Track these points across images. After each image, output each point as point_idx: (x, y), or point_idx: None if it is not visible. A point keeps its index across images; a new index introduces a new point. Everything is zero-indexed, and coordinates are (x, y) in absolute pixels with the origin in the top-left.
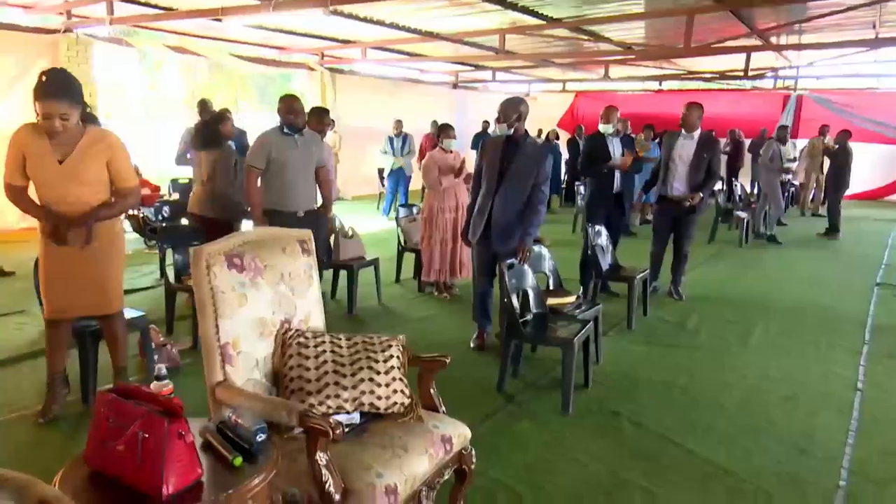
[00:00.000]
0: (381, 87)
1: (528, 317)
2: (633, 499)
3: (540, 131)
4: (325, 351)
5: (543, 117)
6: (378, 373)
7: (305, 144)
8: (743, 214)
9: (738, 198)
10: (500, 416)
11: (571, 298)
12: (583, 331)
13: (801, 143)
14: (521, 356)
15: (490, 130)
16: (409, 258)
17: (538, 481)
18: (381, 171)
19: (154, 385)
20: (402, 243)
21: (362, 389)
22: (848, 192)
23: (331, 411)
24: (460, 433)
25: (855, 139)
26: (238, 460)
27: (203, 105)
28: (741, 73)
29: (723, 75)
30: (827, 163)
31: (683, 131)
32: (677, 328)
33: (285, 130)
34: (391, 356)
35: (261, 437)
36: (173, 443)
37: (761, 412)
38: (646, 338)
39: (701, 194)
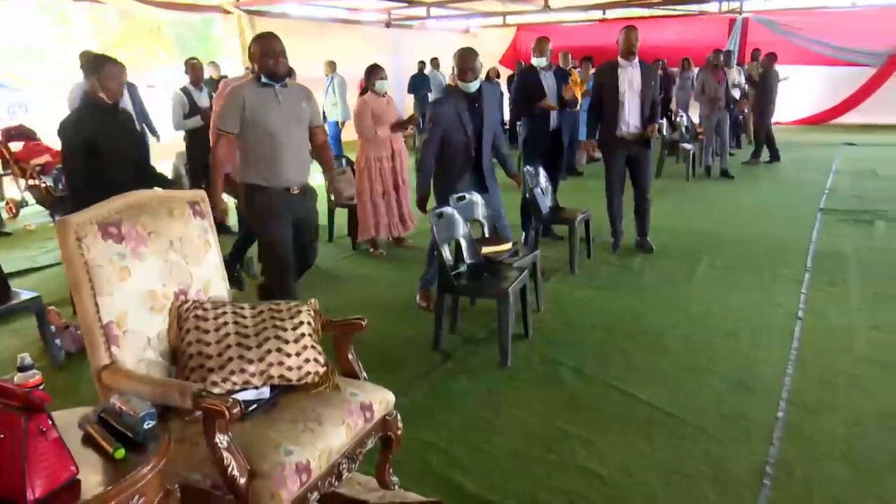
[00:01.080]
0: (307, 30)
1: (462, 268)
2: (574, 451)
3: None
4: (226, 322)
5: (485, 54)
6: (287, 342)
7: (292, 98)
8: (689, 147)
9: (684, 129)
10: (435, 376)
11: (507, 246)
12: (518, 279)
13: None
14: (457, 310)
15: (427, 72)
16: (340, 214)
17: (475, 441)
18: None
19: (18, 377)
20: (331, 200)
21: (270, 361)
22: (796, 117)
23: (237, 388)
24: (382, 399)
25: (798, 61)
26: (120, 452)
27: (86, 57)
28: None
29: (665, 0)
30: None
31: (623, 60)
32: (622, 270)
33: (263, 80)
34: (301, 323)
35: (148, 424)
36: (34, 441)
37: (704, 351)
38: (589, 282)
39: (657, 124)
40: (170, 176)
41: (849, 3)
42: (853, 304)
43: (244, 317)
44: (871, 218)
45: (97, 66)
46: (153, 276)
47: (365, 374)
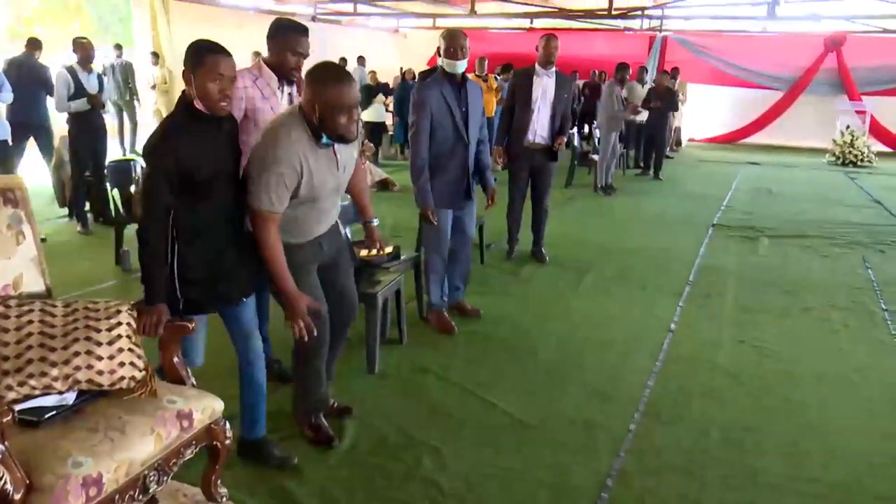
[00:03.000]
0: (225, 19)
1: None
2: (419, 459)
3: (401, 69)
4: (31, 321)
5: (414, 55)
6: (99, 344)
7: (349, 151)
8: (598, 158)
9: (596, 141)
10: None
11: (388, 249)
12: (390, 284)
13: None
14: None
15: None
16: None
17: (319, 452)
18: None
19: None
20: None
21: (77, 364)
22: (707, 136)
23: (36, 392)
24: (206, 406)
25: (712, 81)
26: None
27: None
28: (604, 13)
29: (590, 14)
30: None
31: (540, 68)
32: (511, 277)
33: (325, 140)
34: (119, 324)
35: None
36: None
37: (574, 359)
38: (477, 287)
39: (565, 137)
40: (51, 163)
41: (760, 28)
42: (724, 318)
43: (53, 315)
44: (756, 235)
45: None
46: None
47: (193, 380)
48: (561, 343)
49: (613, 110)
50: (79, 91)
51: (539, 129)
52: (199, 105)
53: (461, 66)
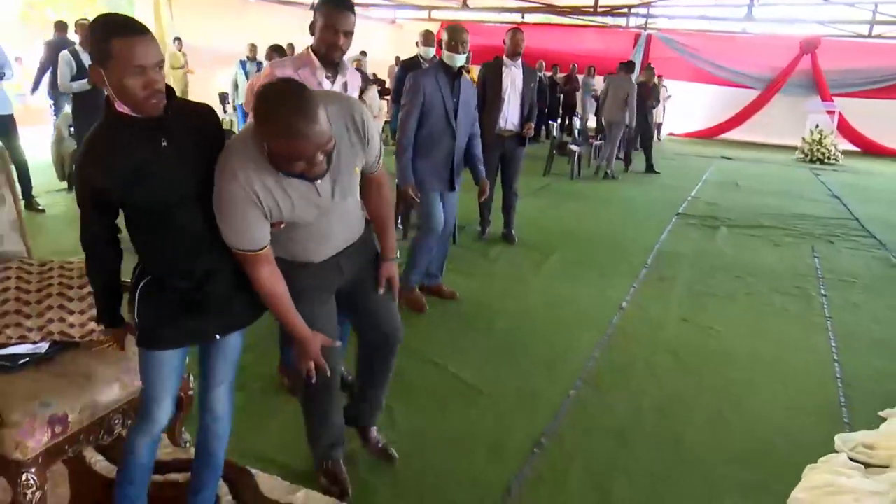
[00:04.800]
0: (227, 7)
1: None
2: None
3: (397, 58)
4: (8, 278)
5: (410, 45)
6: (71, 300)
7: (346, 159)
8: (575, 148)
9: (577, 132)
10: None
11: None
12: None
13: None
14: None
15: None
16: None
17: (272, 407)
18: (223, 97)
19: None
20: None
21: (50, 317)
22: (686, 130)
23: (11, 341)
24: None
25: (694, 79)
26: None
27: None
28: (591, 10)
29: (576, 10)
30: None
31: (508, 59)
32: (479, 256)
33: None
34: None
35: None
36: None
37: (527, 334)
38: (447, 265)
39: (533, 123)
40: (51, 139)
41: (740, 29)
42: (673, 300)
43: (30, 273)
44: (717, 224)
45: None
46: None
47: None
48: (516, 318)
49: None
50: (81, 71)
51: (510, 116)
52: (122, 109)
53: (460, 59)
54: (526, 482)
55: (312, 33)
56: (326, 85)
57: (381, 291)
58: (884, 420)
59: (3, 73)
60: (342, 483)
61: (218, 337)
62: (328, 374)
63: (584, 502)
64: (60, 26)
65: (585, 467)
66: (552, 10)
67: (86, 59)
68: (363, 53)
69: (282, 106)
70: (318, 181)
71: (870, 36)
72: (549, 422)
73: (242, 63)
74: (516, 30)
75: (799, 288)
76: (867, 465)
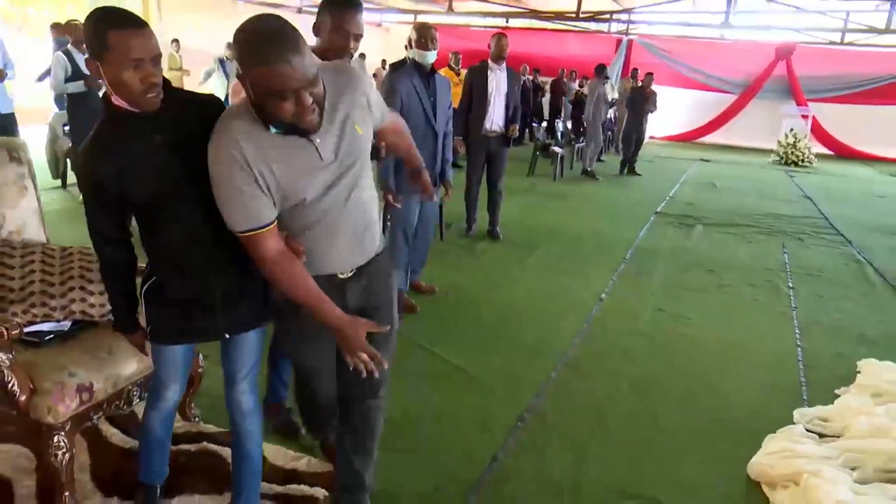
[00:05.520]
0: (217, 7)
1: None
2: None
3: (383, 61)
4: (33, 261)
5: (397, 48)
6: (91, 282)
7: (341, 122)
8: (558, 150)
9: (559, 135)
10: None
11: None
12: None
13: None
14: None
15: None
16: None
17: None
18: None
19: None
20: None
21: (72, 297)
22: (666, 133)
23: (37, 319)
24: None
25: (674, 84)
26: None
27: None
28: (573, 15)
29: (559, 15)
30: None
31: (493, 63)
32: (466, 252)
33: (273, 130)
34: None
35: None
36: None
37: (512, 322)
38: (434, 260)
39: (517, 125)
40: (46, 137)
41: (718, 35)
42: (649, 292)
43: (52, 257)
44: (693, 222)
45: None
46: None
47: None
48: (502, 308)
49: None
50: (76, 73)
51: (495, 118)
52: (118, 102)
53: (431, 56)
54: (510, 452)
55: (317, 34)
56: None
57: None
58: (839, 397)
59: (6, 74)
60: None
61: (227, 336)
62: (384, 366)
63: (563, 469)
64: (59, 28)
65: (565, 439)
66: (535, 15)
67: (80, 61)
68: (362, 56)
69: (263, 33)
70: (318, 140)
71: (842, 43)
72: (531, 400)
73: (222, 61)
74: (501, 35)
75: (768, 281)
76: (821, 436)
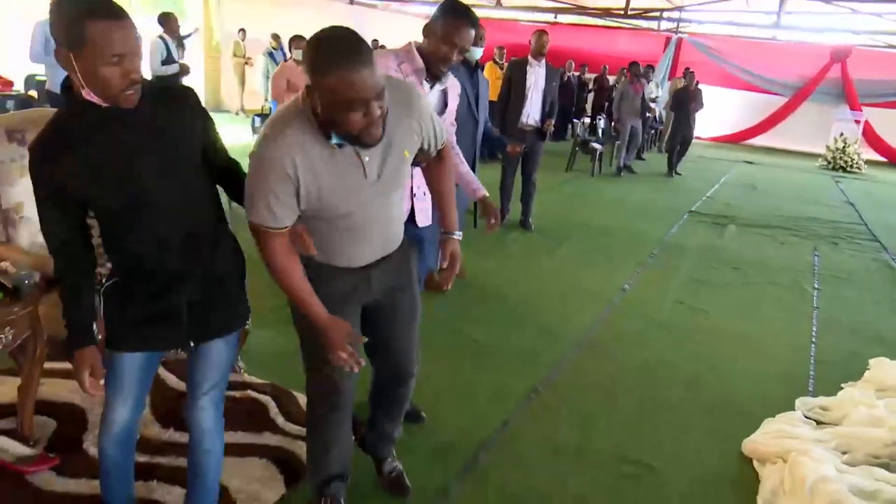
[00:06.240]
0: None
1: None
2: None
3: None
4: None
5: None
6: None
7: (398, 138)
8: (597, 146)
9: (601, 131)
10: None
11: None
12: None
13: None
14: None
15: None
16: None
17: None
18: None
19: None
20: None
21: None
22: (712, 134)
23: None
24: None
25: (723, 84)
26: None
27: None
28: (621, 12)
29: (607, 12)
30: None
31: (532, 59)
32: (498, 240)
33: (333, 140)
34: None
35: (28, 281)
36: None
37: (534, 307)
38: (465, 246)
39: (553, 120)
40: None
41: (770, 36)
42: (673, 285)
43: None
44: (727, 222)
45: None
46: None
47: None
48: (526, 293)
49: (629, 102)
50: (168, 57)
51: (532, 112)
52: (88, 97)
53: (477, 52)
54: (521, 419)
55: (425, 36)
56: (425, 88)
57: (444, 265)
58: (843, 390)
59: None
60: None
61: (192, 344)
62: (361, 365)
63: (568, 436)
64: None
65: (573, 411)
66: (584, 11)
67: (172, 48)
68: (375, 42)
69: (340, 42)
70: (367, 158)
71: None
72: (545, 375)
73: (271, 54)
74: (541, 32)
75: (794, 282)
76: (819, 423)
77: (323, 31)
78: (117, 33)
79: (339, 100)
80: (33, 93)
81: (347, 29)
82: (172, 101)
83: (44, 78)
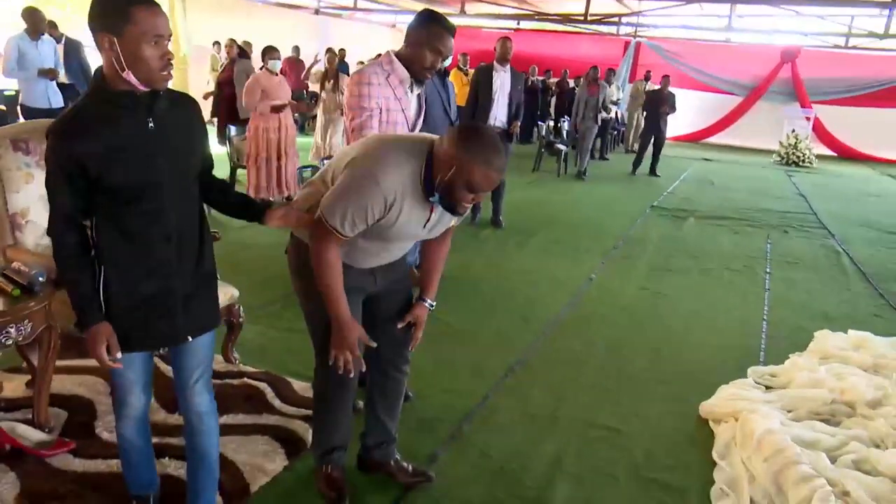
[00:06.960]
0: (235, 8)
1: None
2: None
3: None
4: None
5: None
6: None
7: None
8: (562, 147)
9: (565, 133)
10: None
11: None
12: None
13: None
14: None
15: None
16: (244, 174)
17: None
18: None
19: None
20: (235, 160)
21: None
22: (673, 134)
23: None
24: (226, 292)
25: (681, 85)
26: (16, 291)
27: None
28: (581, 18)
29: (567, 18)
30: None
31: (497, 65)
32: (471, 237)
33: (432, 198)
34: None
35: (40, 278)
36: None
37: (507, 295)
38: None
39: (519, 122)
40: None
41: (723, 38)
42: (635, 273)
43: None
44: (686, 215)
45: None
46: None
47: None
48: (499, 283)
49: (584, 106)
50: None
51: (499, 115)
52: (128, 78)
53: (446, 60)
54: (499, 393)
55: (407, 44)
56: (409, 95)
57: (400, 327)
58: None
59: (57, 73)
60: (341, 490)
61: (190, 339)
62: (362, 369)
63: (542, 406)
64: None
65: (546, 384)
66: (545, 17)
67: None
68: (341, 52)
69: (496, 146)
70: (435, 216)
71: (846, 47)
72: (520, 355)
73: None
74: (506, 38)
75: (747, 267)
76: (768, 388)
77: (485, 128)
78: (160, 17)
79: (472, 186)
80: (2, 107)
81: (495, 132)
82: (182, 99)
83: (12, 93)
